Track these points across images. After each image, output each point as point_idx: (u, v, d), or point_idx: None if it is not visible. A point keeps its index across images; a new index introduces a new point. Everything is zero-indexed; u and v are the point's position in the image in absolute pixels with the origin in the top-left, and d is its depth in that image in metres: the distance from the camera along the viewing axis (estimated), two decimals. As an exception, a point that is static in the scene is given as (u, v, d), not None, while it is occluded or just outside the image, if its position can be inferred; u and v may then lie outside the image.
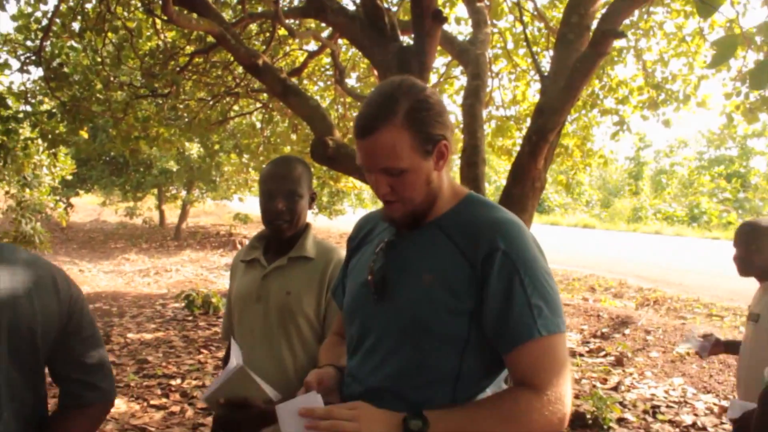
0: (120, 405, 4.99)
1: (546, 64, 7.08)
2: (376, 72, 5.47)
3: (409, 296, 1.42)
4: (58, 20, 6.19)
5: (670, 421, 4.88)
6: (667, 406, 5.17)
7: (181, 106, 8.13)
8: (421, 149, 1.37)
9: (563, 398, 1.33)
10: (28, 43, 6.58)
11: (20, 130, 6.96)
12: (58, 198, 10.23)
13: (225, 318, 2.33)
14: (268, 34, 7.05)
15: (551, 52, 4.72)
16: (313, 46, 8.05)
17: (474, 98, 4.28)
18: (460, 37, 6.19)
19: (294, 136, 8.69)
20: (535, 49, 7.15)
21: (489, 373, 1.43)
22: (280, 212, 2.04)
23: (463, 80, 8.00)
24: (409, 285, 1.42)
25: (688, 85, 7.67)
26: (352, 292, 1.59)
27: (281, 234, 2.09)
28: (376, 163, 1.39)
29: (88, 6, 6.46)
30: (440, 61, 8.10)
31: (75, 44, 7.13)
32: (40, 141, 7.24)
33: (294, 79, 6.75)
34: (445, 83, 8.48)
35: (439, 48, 5.08)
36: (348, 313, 1.59)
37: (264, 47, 6.80)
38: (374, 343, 1.46)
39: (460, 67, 7.62)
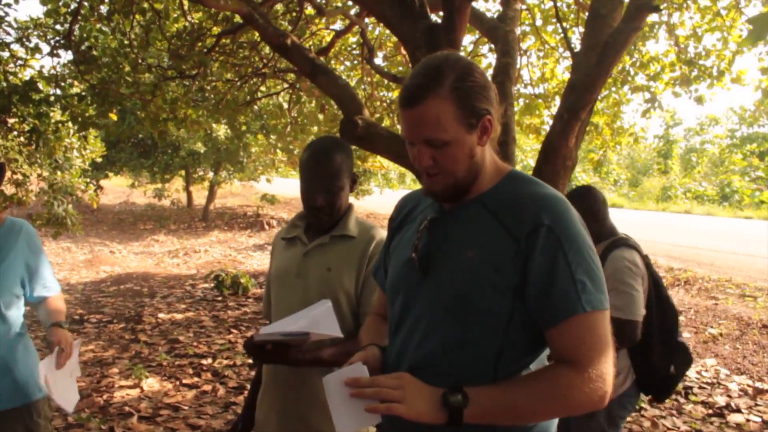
0: (153, 384, 5.07)
1: (575, 40, 6.97)
2: (404, 50, 5.43)
3: (452, 272, 1.42)
4: (86, 3, 6.22)
5: (703, 403, 4.83)
6: (700, 388, 5.12)
7: (209, 88, 8.15)
8: (465, 122, 1.37)
9: (605, 376, 1.31)
10: (58, 27, 6.62)
11: (51, 114, 7.02)
12: (88, 180, 10.32)
13: (266, 297, 2.35)
14: (294, 14, 7.01)
15: (581, 29, 4.64)
16: (339, 25, 8.00)
17: (504, 76, 4.23)
18: (489, 14, 6.10)
19: (321, 117, 8.67)
20: (564, 25, 7.02)
21: (532, 350, 1.42)
22: (319, 208, 2.05)
23: (492, 58, 7.91)
24: (453, 261, 1.42)
25: (723, 60, 7.47)
26: (395, 270, 1.59)
27: (321, 225, 2.12)
28: (419, 134, 1.39)
29: (116, -12, 6.48)
30: (468, 39, 8.00)
31: (103, 27, 7.16)
32: (70, 124, 7.30)
33: (321, 59, 6.72)
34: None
35: (467, 25, 5.02)
36: (391, 291, 1.59)
37: (291, 27, 6.78)
38: (417, 320, 1.47)
39: (488, 45, 7.53)
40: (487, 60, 8.42)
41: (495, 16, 5.64)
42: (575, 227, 1.36)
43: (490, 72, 4.90)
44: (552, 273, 1.32)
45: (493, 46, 6.02)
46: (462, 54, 1.46)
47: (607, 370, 1.32)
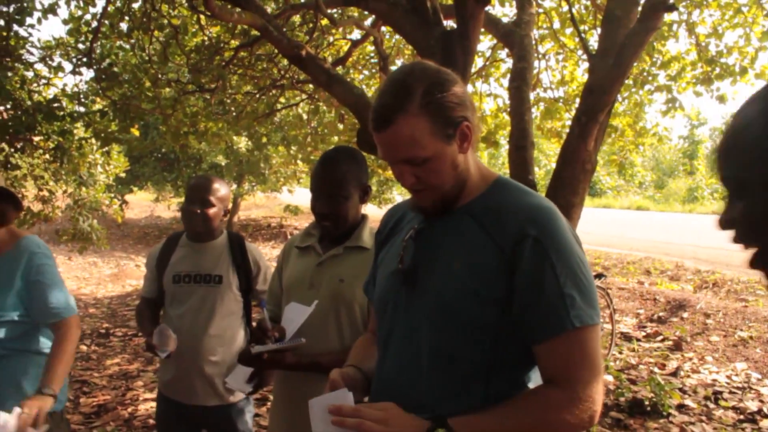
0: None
1: (594, 42, 6.91)
2: (420, 58, 5.42)
3: (439, 284, 1.37)
4: (106, 21, 6.32)
5: (734, 408, 4.73)
6: (730, 392, 5.01)
7: (228, 101, 8.22)
8: (442, 134, 1.31)
9: (595, 395, 1.27)
10: (80, 45, 6.74)
11: (74, 131, 7.13)
12: (113, 195, 10.45)
13: (269, 294, 2.41)
14: (311, 25, 7.06)
15: (599, 30, 4.59)
16: (357, 34, 8.03)
17: (520, 81, 4.19)
18: (505, 19, 6.07)
19: (341, 126, 8.70)
20: (582, 27, 6.97)
21: (525, 364, 1.37)
22: (322, 214, 2.07)
23: (510, 63, 7.87)
24: (439, 273, 1.38)
25: (745, 57, 7.35)
26: (381, 283, 1.55)
27: (327, 232, 2.13)
28: (397, 155, 1.33)
29: (135, 6, 6.58)
30: (486, 45, 7.99)
31: (123, 44, 7.27)
32: (93, 140, 7.42)
33: (339, 69, 6.74)
34: (492, 66, 8.36)
35: (483, 31, 4.99)
36: (379, 304, 1.54)
37: (307, 38, 6.82)
38: (406, 335, 1.42)
39: (506, 50, 7.50)
40: (506, 65, 8.39)
41: (511, 20, 5.62)
42: (564, 238, 1.31)
43: (508, 77, 4.86)
44: (539, 286, 1.27)
45: (509, 51, 5.99)
46: (429, 62, 1.38)
47: (597, 389, 1.28)
